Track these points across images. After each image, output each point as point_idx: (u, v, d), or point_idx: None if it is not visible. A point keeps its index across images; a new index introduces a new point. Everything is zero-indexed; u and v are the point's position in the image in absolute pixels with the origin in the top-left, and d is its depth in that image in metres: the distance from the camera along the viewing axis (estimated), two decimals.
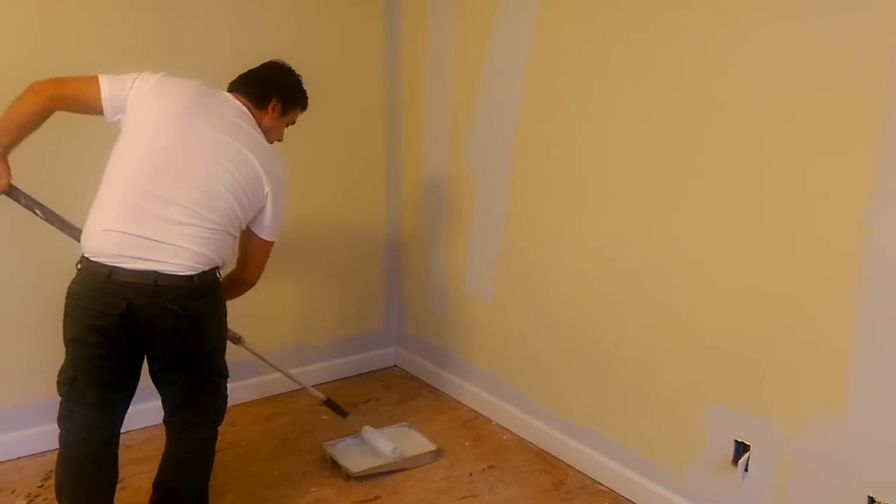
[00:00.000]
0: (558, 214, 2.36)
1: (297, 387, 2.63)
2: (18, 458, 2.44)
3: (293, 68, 2.01)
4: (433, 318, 3.06)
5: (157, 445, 2.38)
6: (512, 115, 2.47)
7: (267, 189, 1.81)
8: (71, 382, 1.70)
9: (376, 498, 2.27)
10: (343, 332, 3.16)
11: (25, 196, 1.82)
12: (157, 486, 1.90)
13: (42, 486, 2.30)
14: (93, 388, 1.70)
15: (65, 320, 1.69)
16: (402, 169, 3.09)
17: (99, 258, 1.63)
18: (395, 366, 3.32)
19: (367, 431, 2.53)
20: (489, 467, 2.45)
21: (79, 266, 1.69)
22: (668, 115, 1.96)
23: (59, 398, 1.74)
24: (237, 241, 1.87)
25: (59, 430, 1.75)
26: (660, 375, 2.10)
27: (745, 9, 1.75)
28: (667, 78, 1.95)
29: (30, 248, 2.33)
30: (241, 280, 1.97)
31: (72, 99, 1.71)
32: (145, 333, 1.67)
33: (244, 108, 1.86)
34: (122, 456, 1.86)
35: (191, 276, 1.68)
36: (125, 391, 1.77)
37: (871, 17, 1.52)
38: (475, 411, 2.84)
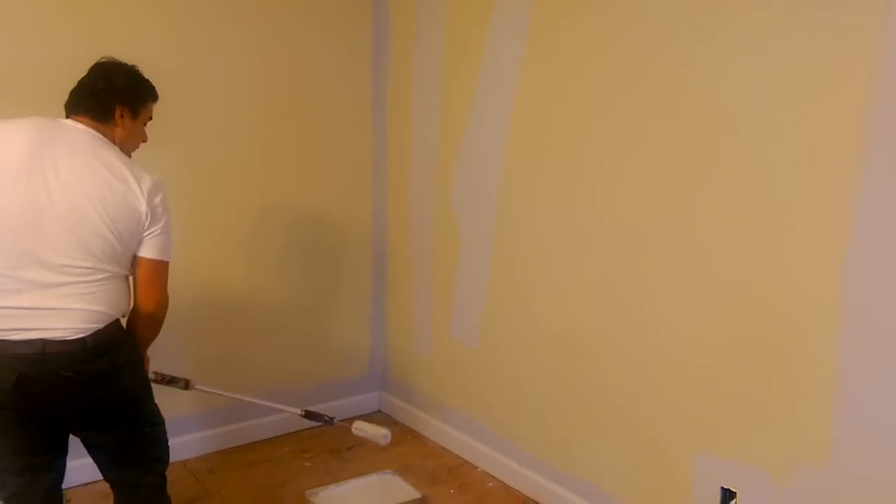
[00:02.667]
0: (544, 261, 2.38)
1: (281, 432, 2.58)
2: None
3: (123, 62, 1.75)
4: (418, 364, 3.04)
5: (104, 502, 2.31)
6: (497, 161, 2.51)
7: (143, 208, 1.63)
8: None
9: None
10: (326, 377, 3.12)
11: None
12: None
13: None
14: (14, 456, 1.61)
15: None
16: (389, 214, 3.11)
17: None
18: (380, 411, 3.27)
19: (359, 424, 2.46)
20: None
21: None
22: (653, 166, 2.01)
23: None
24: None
25: None
26: (647, 423, 2.09)
27: (738, 21, 1.78)
28: (655, 124, 2.00)
29: None
30: (140, 314, 1.73)
31: None
32: (44, 403, 1.57)
33: (90, 130, 1.65)
34: None
35: (83, 339, 1.56)
36: (49, 453, 1.66)
37: (850, 27, 1.58)
38: (460, 458, 2.80)
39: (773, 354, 1.77)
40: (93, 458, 1.75)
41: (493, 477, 2.65)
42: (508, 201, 2.50)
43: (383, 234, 3.15)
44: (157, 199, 1.67)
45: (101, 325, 1.60)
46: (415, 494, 2.47)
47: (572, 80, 2.21)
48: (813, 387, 1.69)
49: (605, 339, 2.19)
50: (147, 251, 1.69)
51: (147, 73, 1.79)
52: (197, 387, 2.15)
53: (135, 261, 1.70)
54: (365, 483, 2.55)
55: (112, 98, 1.69)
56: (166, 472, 1.83)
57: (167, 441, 1.83)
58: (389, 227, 3.12)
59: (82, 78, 1.72)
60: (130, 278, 1.72)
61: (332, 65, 2.92)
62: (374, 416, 3.22)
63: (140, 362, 1.78)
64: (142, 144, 1.82)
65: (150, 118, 1.82)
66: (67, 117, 1.68)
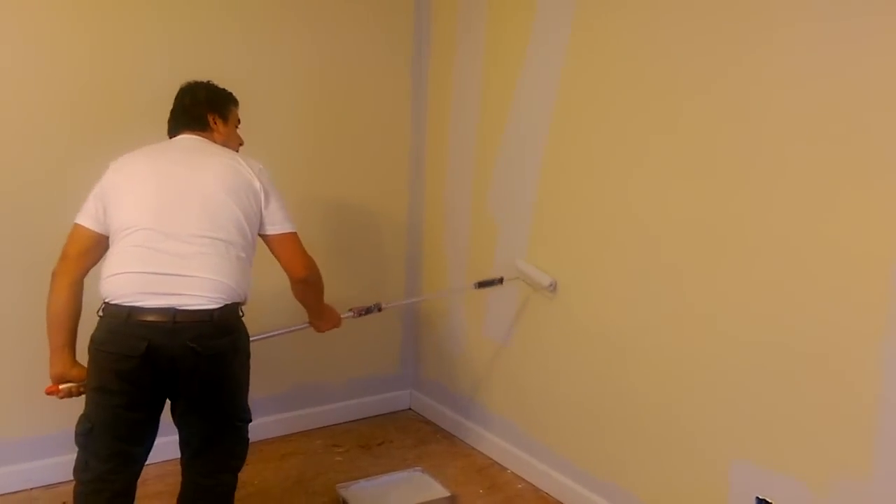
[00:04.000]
0: (581, 262, 2.37)
1: (314, 426, 2.62)
2: (32, 489, 2.44)
3: (198, 80, 1.98)
4: (450, 363, 3.04)
5: (171, 481, 2.38)
6: (535, 160, 2.50)
7: (258, 185, 1.80)
8: (87, 433, 1.67)
9: None
10: (359, 373, 3.15)
11: None
12: None
13: None
14: (110, 441, 1.67)
15: (88, 369, 1.69)
16: (425, 211, 3.13)
17: (118, 300, 1.64)
18: (410, 409, 3.29)
19: (521, 264, 2.53)
20: None
21: (100, 314, 1.68)
22: (698, 170, 1.98)
23: (77, 448, 1.70)
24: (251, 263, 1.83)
25: (74, 482, 1.72)
26: (684, 428, 2.06)
27: (782, 22, 1.76)
28: (699, 133, 1.97)
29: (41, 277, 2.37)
30: (295, 284, 1.91)
31: (82, 261, 1.74)
32: (168, 373, 1.65)
33: (196, 136, 1.89)
34: (137, 491, 1.79)
35: (210, 311, 1.65)
36: (143, 444, 1.73)
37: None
38: (490, 458, 2.79)
39: (816, 362, 1.72)
40: (181, 440, 1.79)
41: (523, 479, 2.63)
42: (546, 201, 2.48)
43: (419, 231, 3.16)
44: (266, 177, 1.84)
45: (227, 301, 1.69)
46: (443, 493, 2.47)
47: (611, 84, 2.19)
48: (857, 396, 1.64)
49: (643, 342, 2.16)
50: (273, 227, 1.83)
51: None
52: (384, 305, 2.35)
53: (269, 241, 1.84)
54: (394, 480, 2.56)
55: (202, 109, 1.92)
56: (239, 471, 1.86)
57: (248, 441, 1.86)
58: (425, 224, 3.13)
59: (173, 105, 1.94)
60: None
61: (374, 65, 2.95)
62: (405, 414, 3.24)
63: (248, 355, 1.81)
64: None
65: (239, 121, 2.04)
66: (171, 137, 1.92)
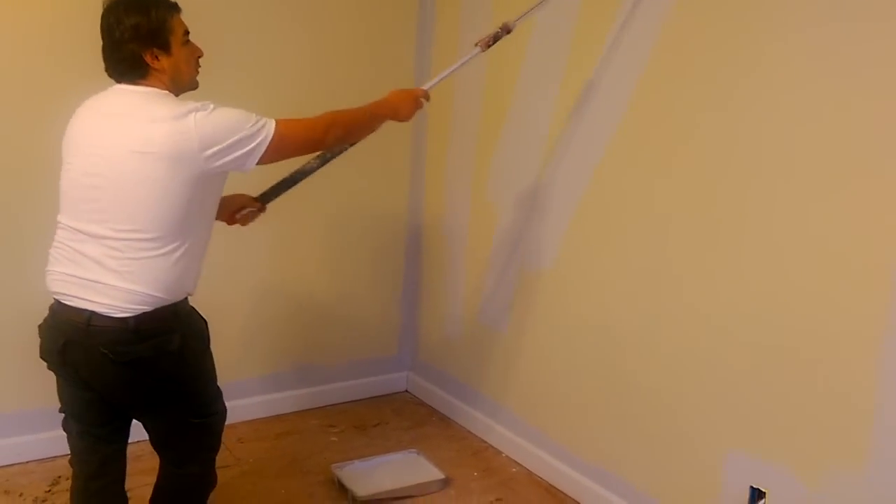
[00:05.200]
0: (579, 252, 2.36)
1: (309, 406, 2.62)
2: (28, 462, 2.45)
3: None
4: (447, 346, 3.05)
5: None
6: (536, 148, 2.48)
7: (196, 148, 1.46)
8: (64, 413, 1.68)
9: None
10: (356, 355, 3.15)
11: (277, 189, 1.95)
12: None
13: (50, 490, 2.30)
14: (72, 420, 1.66)
15: None
16: (425, 197, 3.11)
17: (51, 294, 1.60)
18: (407, 391, 3.30)
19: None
20: (497, 500, 2.42)
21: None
22: (697, 163, 1.96)
23: None
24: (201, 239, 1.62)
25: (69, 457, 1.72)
26: (679, 417, 2.06)
27: (802, 25, 1.75)
28: (699, 126, 1.96)
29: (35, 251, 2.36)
30: (317, 145, 1.70)
31: None
32: (89, 375, 1.56)
33: (128, 86, 1.54)
34: (130, 467, 1.79)
35: (125, 319, 1.50)
36: (105, 426, 1.66)
37: None
38: (485, 442, 2.81)
39: (813, 353, 1.72)
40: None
41: (518, 463, 2.65)
42: (546, 189, 2.47)
43: (419, 216, 3.15)
44: (208, 125, 1.47)
45: (146, 308, 1.51)
46: (438, 475, 2.49)
47: (615, 74, 2.17)
48: (853, 388, 1.64)
49: (639, 331, 2.16)
50: (249, 159, 1.52)
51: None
52: (511, 25, 1.95)
53: (261, 162, 1.55)
54: (389, 461, 2.58)
55: (129, 49, 1.50)
56: (215, 458, 1.78)
57: (221, 431, 1.76)
58: (425, 210, 3.12)
59: (100, 29, 1.54)
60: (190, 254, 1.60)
61: (376, 48, 2.92)
62: (401, 396, 3.25)
63: (198, 350, 1.65)
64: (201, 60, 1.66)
65: (187, 31, 1.59)
66: (116, 82, 1.58)
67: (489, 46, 1.96)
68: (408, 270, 3.22)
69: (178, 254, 1.54)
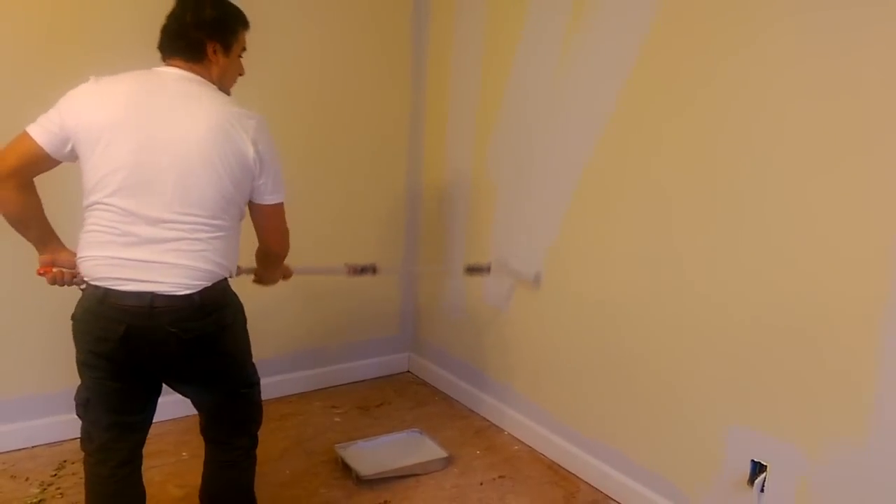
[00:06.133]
0: (580, 228, 2.35)
1: (313, 387, 2.63)
2: (34, 447, 2.47)
3: None
4: (448, 326, 3.05)
5: (171, 440, 2.41)
6: (537, 122, 2.47)
7: (252, 153, 1.57)
8: (85, 404, 1.63)
9: (385, 502, 2.26)
10: (357, 336, 3.16)
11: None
12: (203, 497, 1.85)
13: (56, 475, 2.31)
14: (106, 412, 1.63)
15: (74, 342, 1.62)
16: (423, 175, 3.10)
17: (94, 281, 1.55)
18: (409, 371, 3.31)
19: (506, 260, 2.53)
20: (500, 477, 2.44)
21: (83, 287, 1.60)
22: (697, 141, 1.95)
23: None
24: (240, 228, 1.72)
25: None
26: (680, 392, 2.07)
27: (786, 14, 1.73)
28: (696, 104, 1.94)
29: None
30: (270, 252, 1.82)
31: (24, 165, 1.54)
32: (150, 357, 1.57)
33: (187, 73, 1.60)
34: None
35: (190, 296, 1.54)
36: (140, 413, 1.68)
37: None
38: (487, 420, 2.82)
39: (814, 327, 1.72)
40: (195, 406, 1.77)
41: (520, 440, 2.67)
42: (547, 166, 2.46)
43: (418, 196, 3.14)
44: (263, 140, 1.61)
45: (208, 283, 1.57)
46: (441, 454, 2.50)
47: (612, 53, 2.15)
48: (855, 362, 1.64)
49: (640, 306, 2.16)
50: (263, 197, 1.66)
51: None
52: (380, 269, 2.21)
53: (253, 208, 1.68)
54: (392, 440, 2.59)
55: (201, 33, 1.61)
56: (258, 433, 1.84)
57: (261, 402, 1.83)
58: (424, 188, 3.11)
59: (170, 12, 1.64)
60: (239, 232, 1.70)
61: (373, 29, 2.89)
62: (403, 376, 3.27)
63: (243, 324, 1.73)
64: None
65: (244, 49, 1.73)
66: (163, 60, 1.63)
67: (354, 274, 2.31)
68: (408, 251, 3.21)
69: (231, 234, 1.62)
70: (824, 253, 1.68)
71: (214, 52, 1.63)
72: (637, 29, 2.07)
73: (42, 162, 1.56)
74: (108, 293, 1.53)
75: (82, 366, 1.61)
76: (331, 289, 3.03)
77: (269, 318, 2.87)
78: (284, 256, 1.85)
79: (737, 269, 1.88)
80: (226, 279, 1.65)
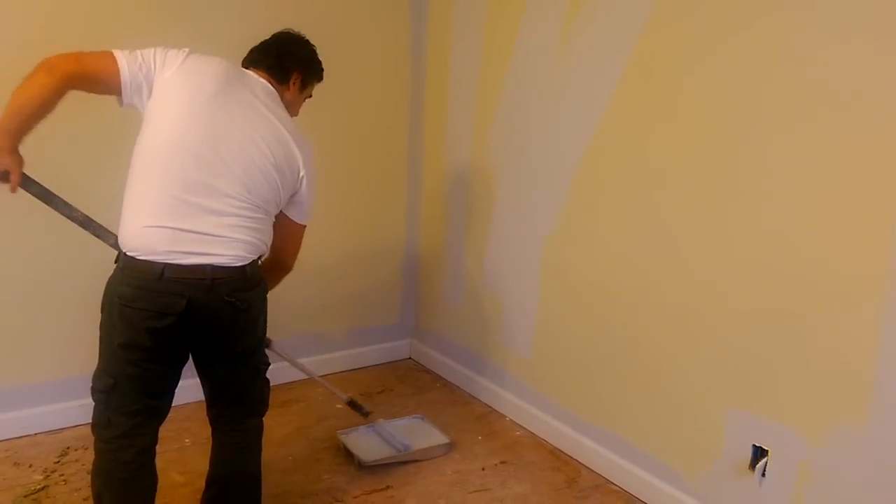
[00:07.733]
0: (579, 213, 2.34)
1: (316, 374, 2.62)
2: (36, 434, 2.47)
3: (307, 38, 1.92)
4: (449, 313, 3.05)
5: (174, 427, 2.41)
6: (536, 111, 2.45)
7: (302, 172, 1.75)
8: (109, 390, 1.60)
9: (388, 488, 2.27)
10: (359, 323, 3.16)
11: (42, 188, 1.64)
12: (212, 480, 1.85)
13: (59, 462, 2.32)
14: (136, 396, 1.62)
15: (110, 326, 1.59)
16: (424, 165, 3.09)
17: (147, 256, 1.54)
18: (410, 358, 3.31)
19: (381, 425, 2.53)
20: (501, 462, 2.44)
21: (119, 265, 1.59)
22: (695, 125, 1.94)
23: (94, 404, 1.64)
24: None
25: (93, 438, 1.66)
26: (680, 376, 2.07)
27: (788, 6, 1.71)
28: (698, 92, 1.92)
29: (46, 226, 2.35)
30: (282, 266, 1.91)
31: (91, 78, 1.55)
32: (203, 330, 1.62)
33: (268, 84, 1.78)
34: None
35: (243, 267, 1.63)
36: (167, 397, 1.71)
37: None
38: (489, 406, 2.83)
39: (815, 312, 1.72)
40: (209, 393, 1.80)
41: (521, 426, 2.67)
42: (546, 153, 2.45)
43: (418, 183, 3.13)
44: (312, 166, 1.79)
45: (254, 257, 1.68)
46: (443, 439, 2.51)
47: (610, 40, 2.13)
48: (855, 347, 1.64)
49: (639, 290, 2.16)
50: (296, 214, 1.82)
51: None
52: (275, 348, 2.13)
53: (283, 220, 1.81)
54: (394, 426, 2.60)
55: (292, 63, 1.84)
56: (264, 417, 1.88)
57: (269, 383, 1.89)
58: (425, 177, 3.10)
59: (266, 40, 1.87)
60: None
61: (371, 13, 2.87)
62: (405, 363, 3.27)
63: (266, 301, 1.82)
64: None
65: (311, 96, 1.97)
66: (246, 68, 1.81)
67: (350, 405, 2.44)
68: (408, 239, 3.20)
69: (269, 225, 1.75)
70: (824, 238, 1.68)
71: (295, 82, 1.86)
72: (637, 16, 2.05)
73: (104, 86, 1.58)
74: (166, 268, 1.54)
75: (120, 348, 1.58)
76: (331, 276, 3.03)
77: (271, 305, 2.85)
78: (289, 271, 1.96)
79: (736, 254, 1.87)
80: (261, 257, 1.76)
